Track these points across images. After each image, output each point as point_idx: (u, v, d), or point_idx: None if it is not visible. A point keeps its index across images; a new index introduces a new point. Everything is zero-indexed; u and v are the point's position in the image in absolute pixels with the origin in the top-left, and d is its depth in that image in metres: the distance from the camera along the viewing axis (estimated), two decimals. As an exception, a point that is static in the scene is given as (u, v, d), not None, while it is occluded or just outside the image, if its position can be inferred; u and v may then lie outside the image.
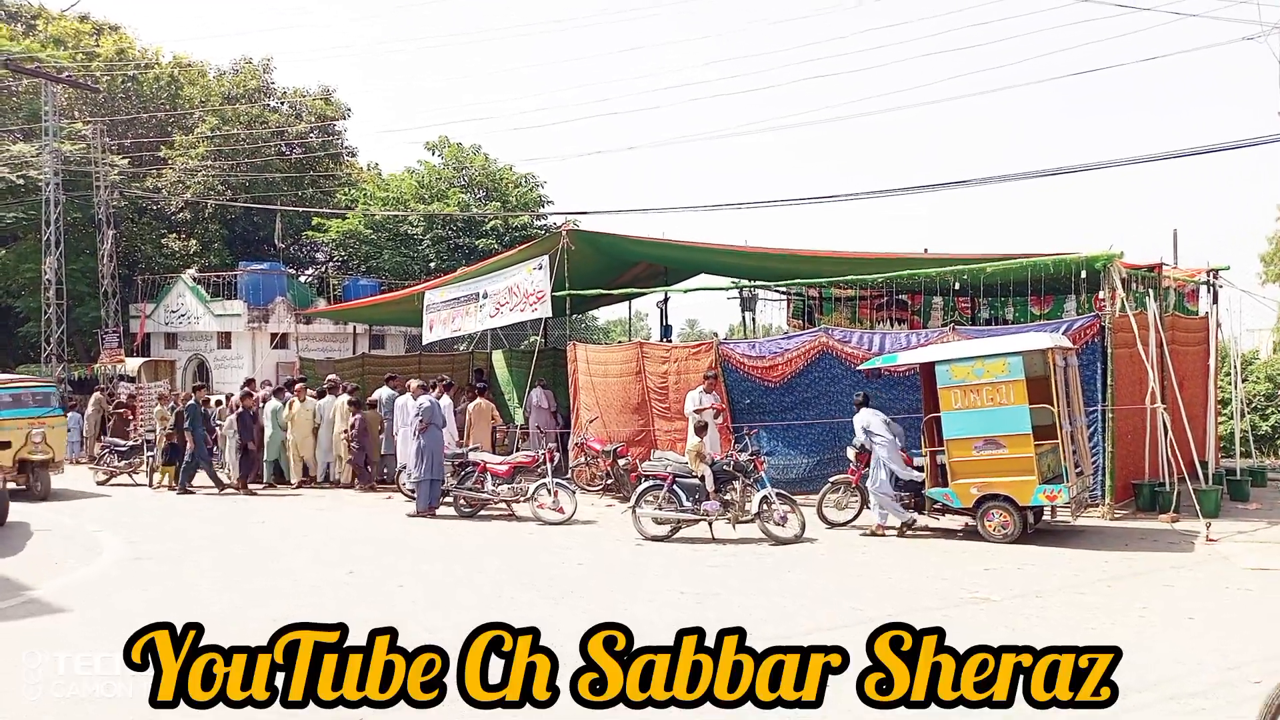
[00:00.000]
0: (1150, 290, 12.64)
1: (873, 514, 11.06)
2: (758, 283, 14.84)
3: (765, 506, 10.76)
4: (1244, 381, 17.44)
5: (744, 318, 15.47)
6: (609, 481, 14.70)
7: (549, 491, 12.39)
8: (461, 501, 13.01)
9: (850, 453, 11.55)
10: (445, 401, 15.39)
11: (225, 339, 27.31)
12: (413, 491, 13.84)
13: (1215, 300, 14.99)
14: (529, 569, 9.49)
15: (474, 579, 9.11)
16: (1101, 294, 11.82)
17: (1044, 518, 10.78)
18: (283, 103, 32.81)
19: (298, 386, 16.50)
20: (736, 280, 14.42)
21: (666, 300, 18.27)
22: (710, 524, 10.97)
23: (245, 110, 30.78)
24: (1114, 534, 10.62)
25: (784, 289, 16.65)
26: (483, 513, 13.03)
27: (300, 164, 32.37)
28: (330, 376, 18.52)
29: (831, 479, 11.74)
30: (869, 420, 11.07)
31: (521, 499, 12.62)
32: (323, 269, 34.35)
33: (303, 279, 32.88)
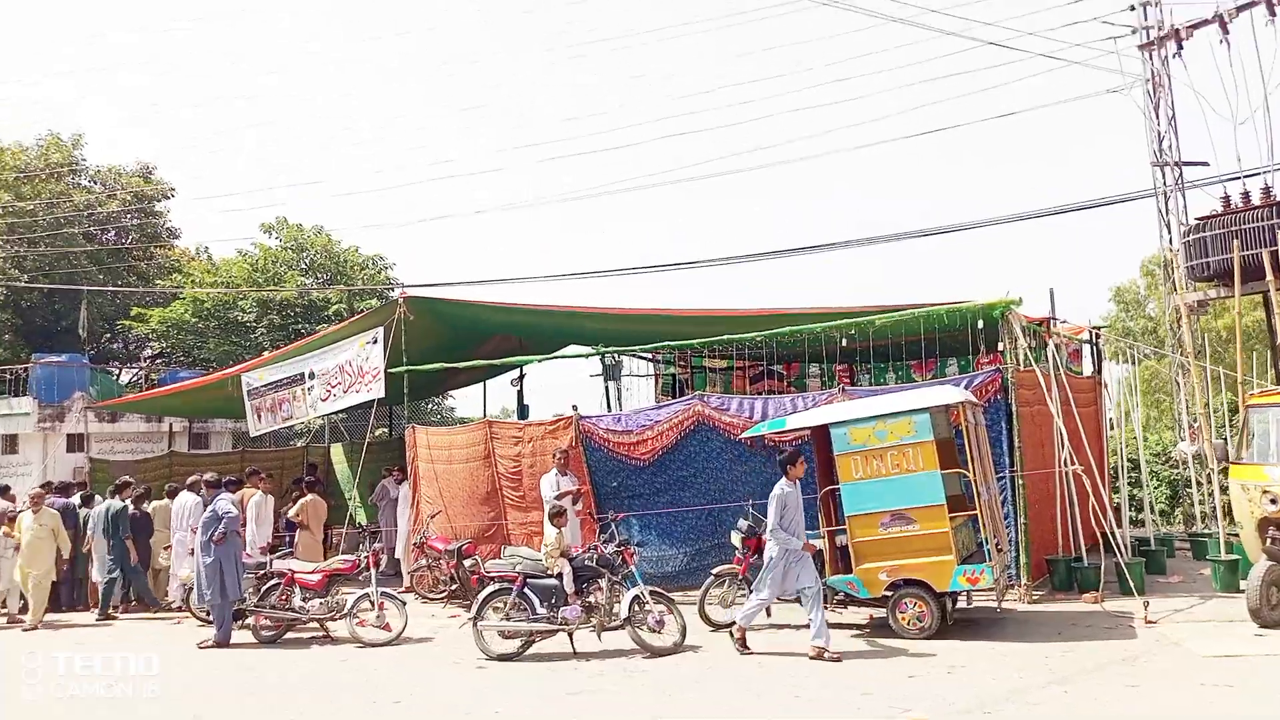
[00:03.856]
0: (1042, 347, 11.62)
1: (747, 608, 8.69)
2: (622, 348, 13.12)
3: (637, 609, 8.78)
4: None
5: (607, 389, 13.68)
6: (454, 587, 12.38)
7: (372, 604, 10.02)
8: (264, 622, 10.41)
9: (736, 538, 9.77)
10: (257, 498, 12.89)
11: (11, 442, 23.44)
12: (208, 614, 11.15)
13: (1099, 359, 14.21)
14: (333, 716, 7.15)
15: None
16: (1001, 348, 10.61)
17: (959, 604, 9.21)
18: (95, 181, 29.59)
19: (32, 492, 12.84)
20: (598, 346, 12.66)
21: (522, 377, 16.33)
22: (570, 635, 8.89)
23: (47, 187, 27.45)
24: (1040, 620, 9.12)
25: (649, 353, 14.95)
26: (291, 634, 10.49)
27: (116, 249, 29.07)
28: (123, 477, 15.53)
29: (714, 571, 9.86)
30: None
31: (338, 615, 10.18)
32: (147, 365, 30.59)
33: (125, 378, 29.11)
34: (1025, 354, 10.05)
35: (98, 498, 14.11)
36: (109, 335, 30.38)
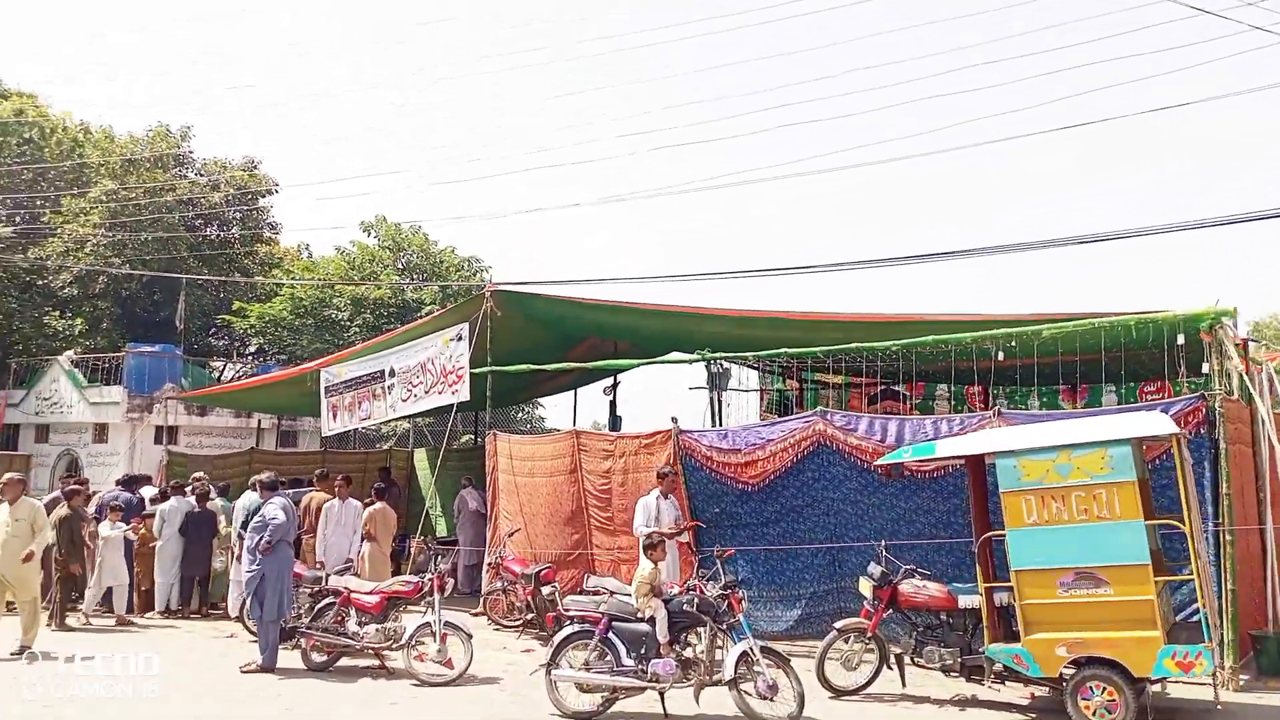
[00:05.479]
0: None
1: None
2: (730, 354, 11.53)
3: (744, 667, 7.17)
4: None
5: (712, 401, 12.11)
6: (529, 616, 10.97)
7: (434, 635, 8.64)
8: (315, 644, 9.15)
9: (865, 587, 8.05)
10: (327, 503, 11.74)
11: (101, 431, 23.29)
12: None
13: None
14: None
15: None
16: (1205, 370, 8.58)
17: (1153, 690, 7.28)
18: (201, 174, 29.59)
19: (6, 480, 9.97)
20: (702, 351, 11.11)
21: (616, 385, 14.90)
22: (662, 695, 7.33)
23: (151, 176, 27.44)
24: (1266, 718, 7.13)
25: (760, 361, 13.24)
26: (347, 660, 9.22)
27: (218, 241, 28.95)
28: (197, 474, 14.71)
29: (837, 626, 8.15)
30: None
31: (395, 645, 8.84)
32: (249, 361, 30.32)
33: (229, 373, 28.87)
34: (1242, 378, 8.04)
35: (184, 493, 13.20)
36: (213, 330, 30.28)
